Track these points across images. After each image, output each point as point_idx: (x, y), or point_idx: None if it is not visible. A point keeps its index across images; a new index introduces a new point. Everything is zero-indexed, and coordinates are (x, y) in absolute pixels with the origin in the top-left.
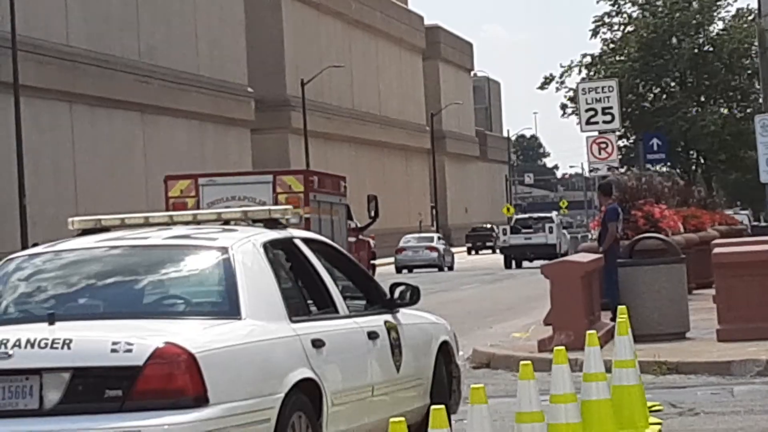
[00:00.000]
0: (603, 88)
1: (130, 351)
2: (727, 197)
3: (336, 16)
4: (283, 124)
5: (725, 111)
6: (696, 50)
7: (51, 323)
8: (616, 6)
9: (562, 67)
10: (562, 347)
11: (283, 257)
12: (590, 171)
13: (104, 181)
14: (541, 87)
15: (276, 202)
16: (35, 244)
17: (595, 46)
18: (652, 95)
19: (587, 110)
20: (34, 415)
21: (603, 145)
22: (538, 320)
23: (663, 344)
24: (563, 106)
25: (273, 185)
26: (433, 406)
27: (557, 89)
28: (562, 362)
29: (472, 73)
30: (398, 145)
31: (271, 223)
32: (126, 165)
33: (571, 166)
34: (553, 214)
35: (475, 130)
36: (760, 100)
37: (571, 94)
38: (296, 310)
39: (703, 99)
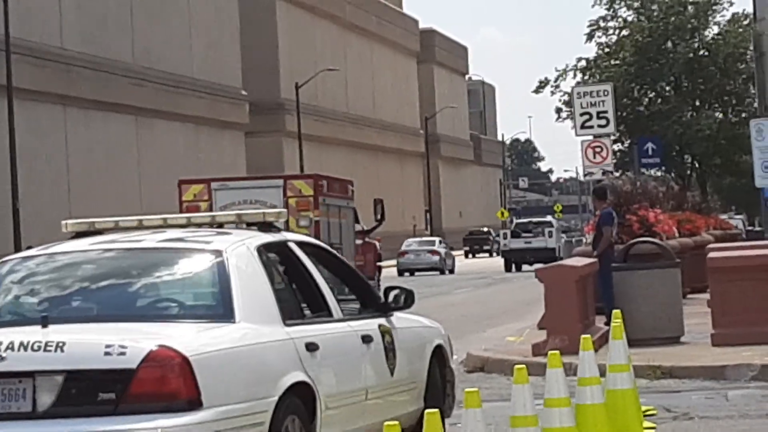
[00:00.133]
0: (598, 92)
1: (123, 354)
2: (722, 202)
3: (331, 19)
4: (277, 127)
5: (720, 115)
6: (691, 54)
7: (44, 326)
8: (612, 10)
9: (557, 71)
10: (557, 351)
11: (277, 260)
12: (585, 175)
13: (98, 184)
14: (536, 91)
15: (287, 206)
16: (29, 247)
17: (591, 50)
18: (647, 99)
19: (582, 114)
20: (27, 418)
21: (598, 149)
22: (532, 324)
23: (657, 348)
24: (558, 110)
25: (284, 189)
26: (427, 410)
27: (552, 93)
28: (557, 366)
29: (466, 76)
30: (393, 149)
31: (265, 227)
32: (120, 168)
33: (565, 170)
34: (551, 218)
35: (469, 133)
36: (755, 105)
37: (566, 98)
38: (290, 314)
39: (698, 103)
